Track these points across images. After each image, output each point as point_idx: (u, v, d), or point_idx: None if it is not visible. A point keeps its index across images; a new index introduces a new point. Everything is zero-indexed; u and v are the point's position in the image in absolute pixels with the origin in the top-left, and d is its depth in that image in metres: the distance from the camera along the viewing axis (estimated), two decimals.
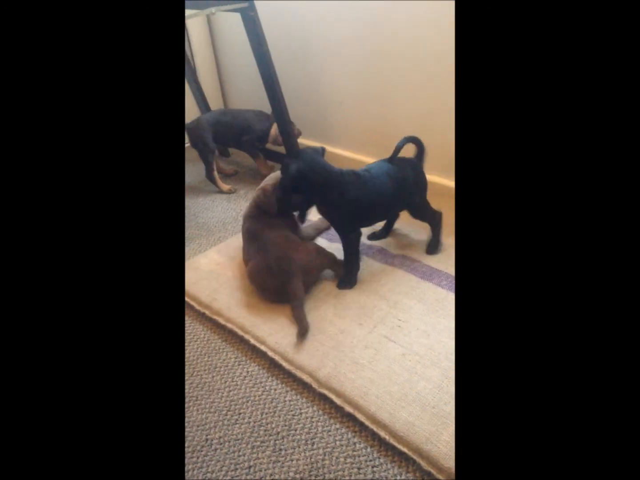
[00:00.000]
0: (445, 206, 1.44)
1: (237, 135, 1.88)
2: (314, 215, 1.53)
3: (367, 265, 1.37)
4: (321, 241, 1.49)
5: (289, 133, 1.75)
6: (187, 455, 0.92)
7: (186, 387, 1.07)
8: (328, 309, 1.21)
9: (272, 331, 1.16)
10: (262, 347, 1.13)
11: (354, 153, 1.92)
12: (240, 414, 1.00)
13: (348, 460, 0.88)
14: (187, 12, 1.75)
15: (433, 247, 1.40)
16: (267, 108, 1.81)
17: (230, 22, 2.05)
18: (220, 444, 0.94)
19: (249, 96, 2.14)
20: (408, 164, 1.31)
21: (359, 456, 0.88)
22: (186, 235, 1.61)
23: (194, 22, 2.09)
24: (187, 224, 1.64)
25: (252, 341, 1.15)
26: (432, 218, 1.38)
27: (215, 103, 2.22)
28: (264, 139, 1.91)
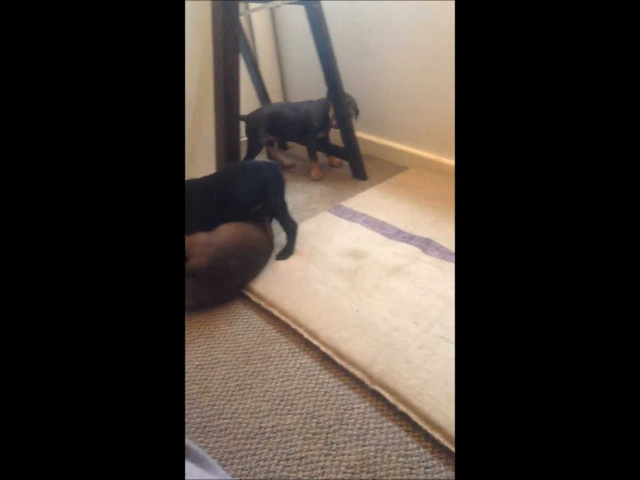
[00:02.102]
0: None
1: (296, 129, 1.88)
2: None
3: (423, 262, 1.35)
4: (365, 230, 1.48)
5: (348, 128, 1.75)
6: (241, 441, 0.94)
7: (241, 374, 1.09)
8: (382, 306, 1.20)
9: (325, 325, 1.17)
10: (315, 342, 1.14)
11: (414, 148, 1.89)
12: (292, 404, 1.01)
13: (400, 459, 0.87)
14: (252, 5, 1.78)
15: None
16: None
17: (293, 15, 2.06)
18: (273, 432, 0.95)
19: (309, 89, 2.15)
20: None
21: (411, 456, 0.88)
22: None
23: (258, 15, 2.11)
24: None
25: (306, 335, 1.16)
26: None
27: (275, 96, 2.24)
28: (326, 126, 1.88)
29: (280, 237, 1.52)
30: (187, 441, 0.50)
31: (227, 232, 1.33)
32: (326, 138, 1.96)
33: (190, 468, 0.41)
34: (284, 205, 1.50)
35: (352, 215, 1.61)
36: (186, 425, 0.99)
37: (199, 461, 0.48)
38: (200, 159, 1.67)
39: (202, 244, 1.28)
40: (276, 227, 1.53)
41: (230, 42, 1.41)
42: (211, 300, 1.29)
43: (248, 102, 2.04)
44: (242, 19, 1.94)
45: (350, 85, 1.80)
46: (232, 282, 1.30)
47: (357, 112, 1.84)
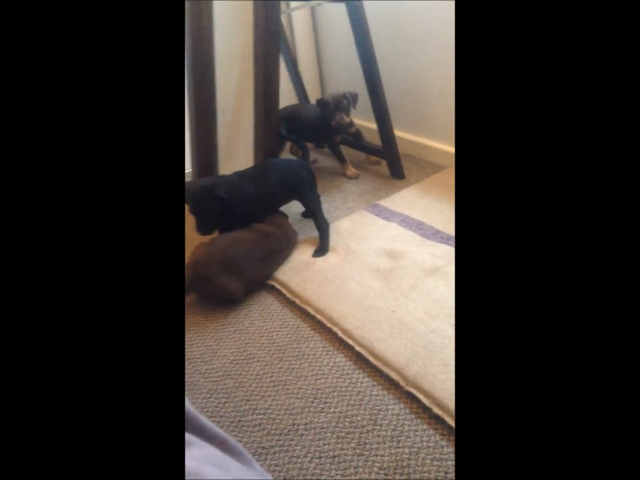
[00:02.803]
0: None
1: (312, 131, 1.85)
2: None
3: None
4: (400, 229, 1.46)
5: (386, 126, 1.73)
6: (274, 437, 0.95)
7: (275, 371, 1.10)
8: (418, 307, 1.19)
9: (360, 324, 1.16)
10: (349, 341, 1.13)
11: (453, 147, 1.86)
12: (326, 402, 1.01)
13: (435, 463, 0.86)
14: (294, 3, 1.79)
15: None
16: (364, 102, 1.80)
17: (333, 13, 2.06)
18: (306, 430, 0.95)
19: (347, 87, 2.14)
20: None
21: (446, 460, 0.86)
22: None
23: (298, 13, 2.12)
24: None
25: (340, 334, 1.16)
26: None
27: (314, 94, 2.24)
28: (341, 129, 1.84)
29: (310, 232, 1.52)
30: (226, 435, 0.51)
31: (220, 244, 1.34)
32: (356, 138, 1.95)
33: (228, 462, 0.41)
34: (317, 201, 1.50)
35: (389, 215, 1.60)
36: (221, 420, 1.00)
37: (237, 455, 0.48)
38: (239, 156, 1.69)
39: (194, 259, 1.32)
40: (304, 225, 1.53)
41: (271, 41, 1.42)
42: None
43: (286, 100, 2.05)
44: (283, 18, 1.95)
45: (389, 83, 1.78)
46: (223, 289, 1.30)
47: (349, 107, 1.80)
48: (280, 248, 1.40)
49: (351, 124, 1.87)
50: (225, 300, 1.31)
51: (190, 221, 1.42)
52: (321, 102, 1.79)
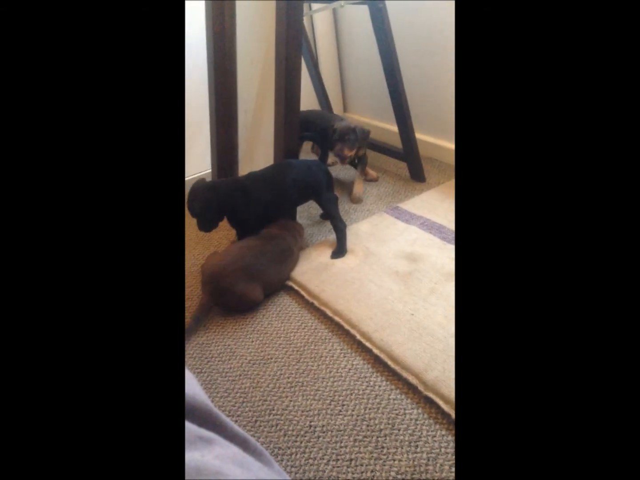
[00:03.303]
0: None
1: (323, 137, 1.81)
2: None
3: None
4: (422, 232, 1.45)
5: (408, 127, 1.72)
6: (291, 439, 0.94)
7: (292, 372, 1.09)
8: (438, 311, 1.17)
9: (378, 327, 1.15)
10: (368, 344, 1.12)
11: None
12: (343, 405, 1.00)
13: (453, 469, 0.85)
14: (316, 5, 1.79)
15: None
16: (385, 105, 1.79)
17: (355, 15, 2.05)
18: (323, 432, 0.95)
19: (368, 89, 2.14)
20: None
21: None
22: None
23: (320, 14, 2.12)
24: (298, 216, 1.68)
25: (358, 336, 1.15)
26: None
27: (334, 97, 2.24)
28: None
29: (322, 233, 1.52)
30: (247, 434, 0.51)
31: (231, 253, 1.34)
32: (358, 161, 1.86)
33: (250, 462, 0.41)
34: (334, 202, 1.50)
35: (409, 218, 1.59)
36: (238, 419, 1.00)
37: (258, 455, 0.48)
38: (259, 156, 1.69)
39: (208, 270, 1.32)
40: (322, 227, 1.53)
41: (293, 42, 1.42)
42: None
43: (305, 102, 2.05)
44: (305, 19, 1.95)
45: (410, 85, 1.77)
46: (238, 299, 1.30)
47: (355, 142, 1.69)
48: (288, 245, 1.39)
49: (359, 150, 1.79)
50: (248, 308, 1.31)
51: (190, 220, 1.45)
52: (330, 128, 1.73)
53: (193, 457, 0.37)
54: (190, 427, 0.41)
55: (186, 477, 0.35)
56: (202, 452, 0.38)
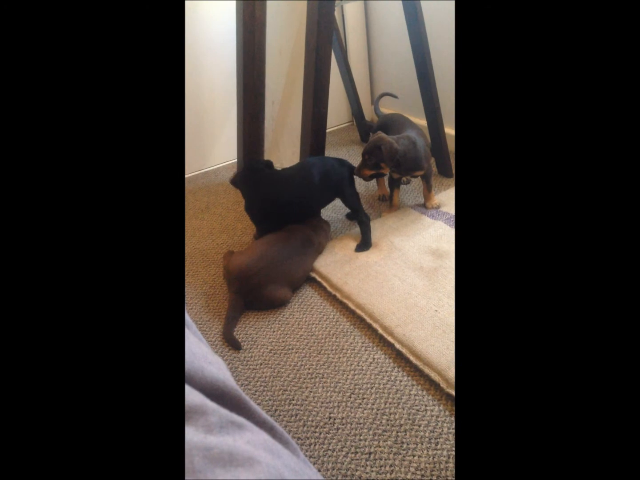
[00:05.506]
0: None
1: None
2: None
3: None
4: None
5: (438, 122, 1.70)
6: (310, 429, 0.95)
7: (313, 363, 1.10)
8: None
9: (401, 322, 1.15)
10: (390, 338, 1.12)
11: None
12: (363, 398, 1.00)
13: None
14: None
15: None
16: (414, 99, 1.77)
17: (387, 9, 2.03)
18: (343, 424, 0.95)
19: (397, 83, 2.12)
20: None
21: None
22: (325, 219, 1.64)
23: (351, 7, 2.10)
24: (323, 210, 1.67)
25: (380, 330, 1.14)
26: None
27: (362, 90, 2.22)
28: None
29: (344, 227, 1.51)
30: (275, 422, 0.51)
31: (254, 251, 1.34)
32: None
33: (279, 449, 0.41)
34: (357, 197, 1.49)
35: (435, 213, 1.57)
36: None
37: (285, 443, 0.48)
38: (285, 147, 1.69)
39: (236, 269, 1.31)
40: (346, 220, 1.52)
41: (324, 34, 1.41)
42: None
43: (333, 97, 2.04)
44: (335, 11, 1.94)
45: (441, 81, 1.74)
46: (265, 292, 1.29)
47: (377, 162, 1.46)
48: (308, 236, 1.39)
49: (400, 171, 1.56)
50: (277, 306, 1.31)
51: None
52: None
53: (225, 441, 0.37)
54: (221, 412, 0.41)
55: (218, 461, 0.35)
56: (234, 436, 0.39)
